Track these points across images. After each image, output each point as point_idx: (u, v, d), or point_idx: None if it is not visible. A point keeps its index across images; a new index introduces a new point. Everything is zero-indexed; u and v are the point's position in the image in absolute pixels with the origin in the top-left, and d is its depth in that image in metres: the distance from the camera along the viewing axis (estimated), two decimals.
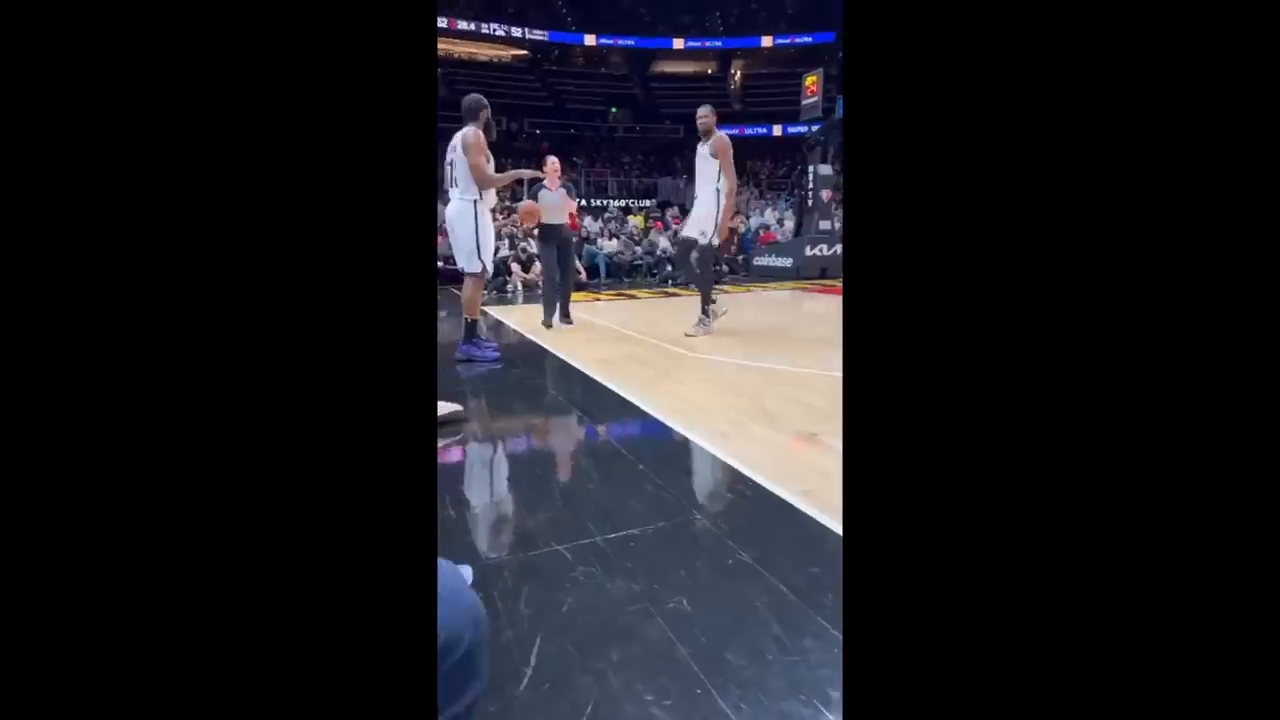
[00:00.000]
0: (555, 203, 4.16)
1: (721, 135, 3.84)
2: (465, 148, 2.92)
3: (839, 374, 2.45)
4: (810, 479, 1.53)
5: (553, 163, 4.29)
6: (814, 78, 8.98)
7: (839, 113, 8.31)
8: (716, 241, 3.87)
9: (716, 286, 4.52)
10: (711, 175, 3.78)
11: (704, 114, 3.89)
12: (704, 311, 3.90)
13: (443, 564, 0.67)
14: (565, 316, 4.31)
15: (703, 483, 1.62)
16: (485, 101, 3.09)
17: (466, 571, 1.03)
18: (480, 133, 2.98)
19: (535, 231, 4.79)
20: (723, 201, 3.75)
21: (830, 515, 1.31)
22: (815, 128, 8.91)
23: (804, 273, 8.10)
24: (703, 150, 3.84)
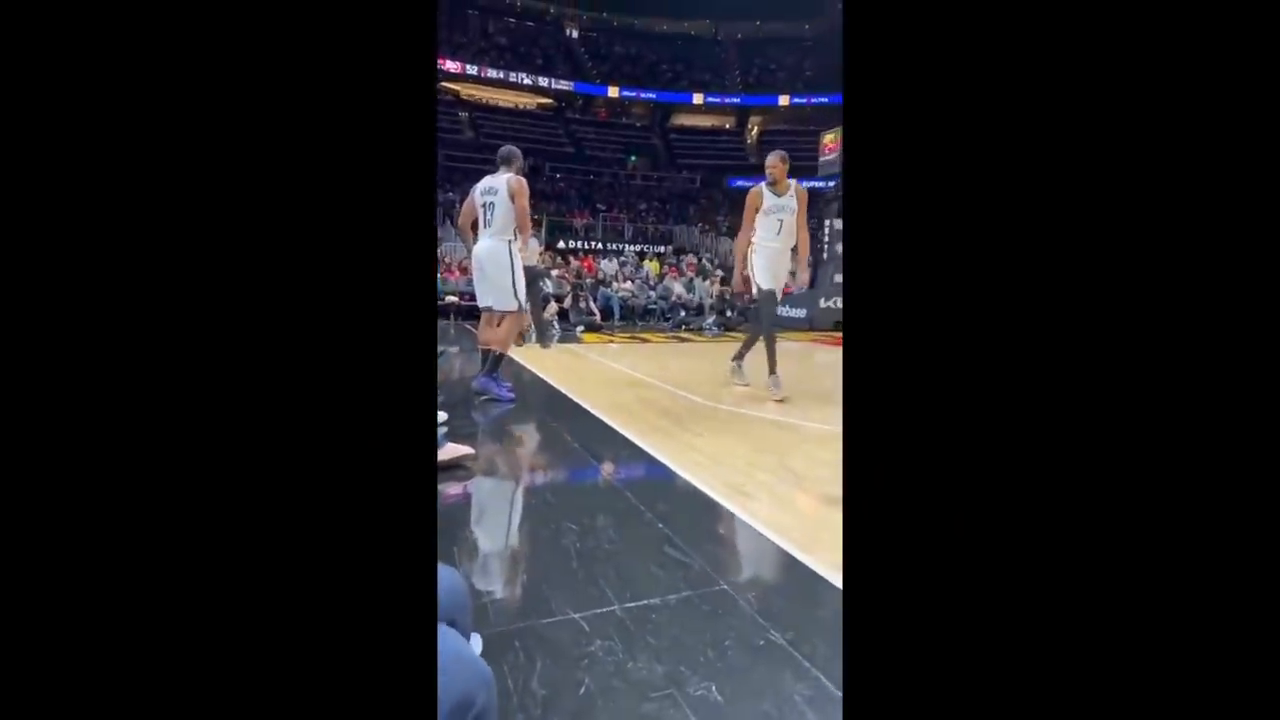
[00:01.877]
0: (534, 247, 4.86)
1: (799, 185, 3.50)
2: (512, 192, 3.05)
3: None
4: (839, 549, 1.43)
5: None
6: (833, 135, 9.19)
7: None
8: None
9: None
10: (794, 230, 3.44)
11: (774, 162, 3.48)
12: (772, 370, 3.42)
13: (451, 631, 0.64)
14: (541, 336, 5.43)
15: (728, 548, 1.52)
16: (517, 151, 3.30)
17: (476, 641, 0.94)
18: (521, 178, 3.15)
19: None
20: (799, 253, 3.50)
21: None
22: (833, 183, 9.05)
23: (818, 324, 8.08)
24: (781, 202, 3.41)
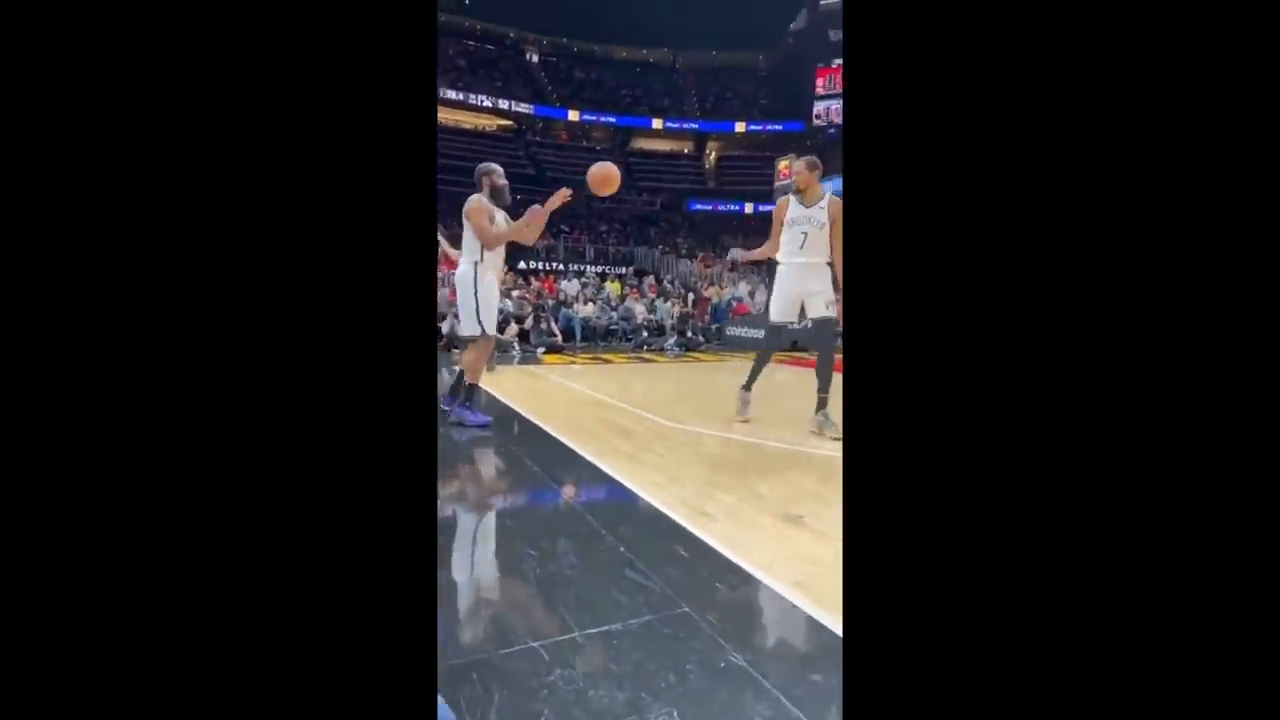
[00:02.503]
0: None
1: (835, 197, 2.97)
2: (467, 213, 2.96)
3: (819, 451, 2.39)
4: (801, 567, 1.45)
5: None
6: (787, 161, 9.50)
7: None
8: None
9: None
10: (824, 245, 2.97)
11: (799, 169, 3.01)
12: (821, 403, 3.00)
13: None
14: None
15: (689, 570, 1.52)
16: (490, 167, 3.10)
17: (445, 712, 0.91)
18: (481, 197, 3.02)
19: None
20: (836, 276, 3.00)
21: (825, 610, 1.23)
22: None
23: (781, 347, 8.25)
24: (808, 213, 2.96)
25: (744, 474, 2.27)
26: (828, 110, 23.00)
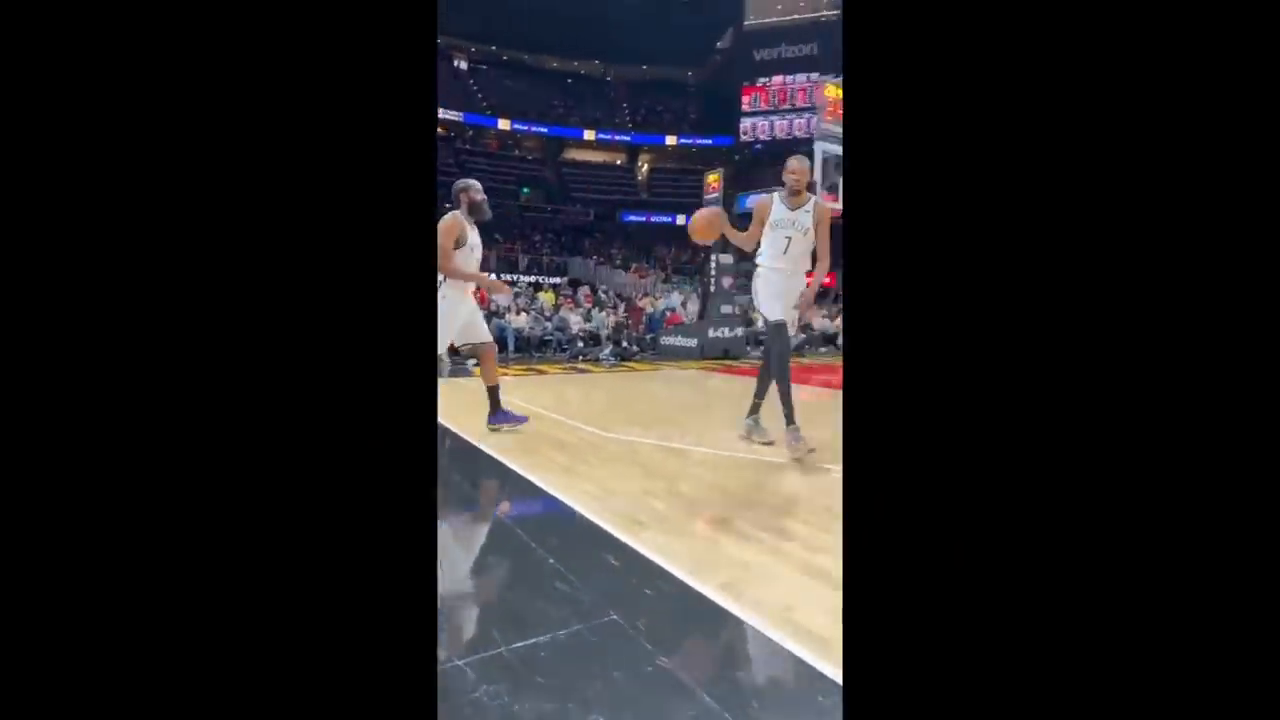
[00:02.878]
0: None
1: (820, 202, 2.80)
2: (439, 229, 2.88)
3: (751, 455, 2.47)
4: (729, 570, 1.50)
5: None
6: (715, 175, 9.78)
7: (738, 207, 9.00)
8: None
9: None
10: (806, 255, 2.78)
11: (795, 167, 2.73)
12: (754, 408, 2.90)
13: None
14: None
15: (619, 579, 1.53)
16: (467, 183, 3.02)
17: None
18: (458, 214, 2.95)
19: None
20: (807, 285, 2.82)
21: (749, 609, 1.28)
22: None
23: (708, 353, 8.42)
24: (793, 216, 2.74)
25: (674, 480, 2.31)
26: (754, 126, 23.86)
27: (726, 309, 9.05)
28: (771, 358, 2.80)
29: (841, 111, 7.90)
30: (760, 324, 2.92)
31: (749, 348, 9.40)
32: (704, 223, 2.83)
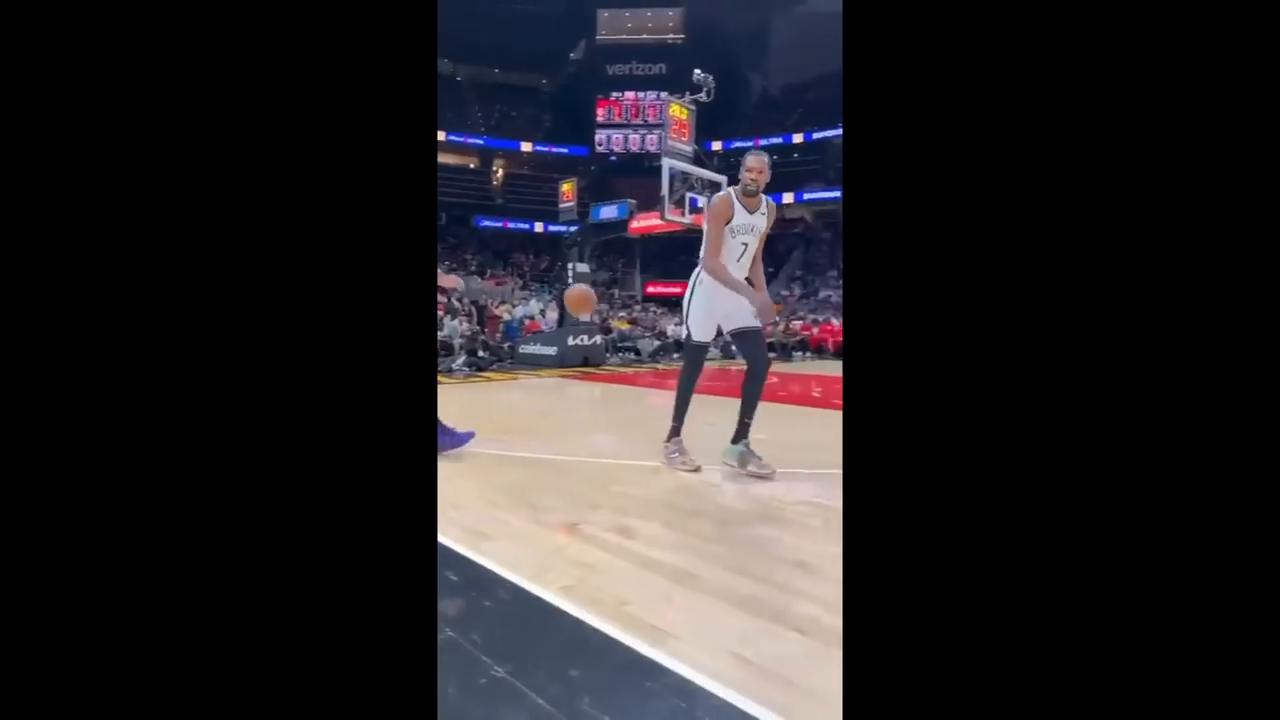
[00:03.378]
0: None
1: (773, 204, 2.58)
2: None
3: (601, 460, 2.52)
4: (571, 573, 1.52)
5: None
6: (570, 184, 9.83)
7: (592, 218, 9.14)
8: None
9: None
10: (756, 259, 2.58)
11: (756, 164, 2.48)
12: (744, 431, 2.55)
13: None
14: None
15: (458, 594, 1.49)
16: None
17: None
18: None
19: None
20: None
21: (586, 608, 1.31)
22: (573, 229, 9.65)
23: (567, 361, 8.43)
24: (751, 220, 2.51)
25: (524, 489, 2.29)
26: (608, 138, 24.42)
27: (584, 317, 9.14)
28: (684, 373, 2.63)
29: (689, 131, 8.37)
30: (686, 335, 2.65)
31: (609, 354, 9.57)
32: (578, 298, 2.95)
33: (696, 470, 2.49)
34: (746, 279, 2.55)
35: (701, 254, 2.52)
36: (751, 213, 2.50)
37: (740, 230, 2.50)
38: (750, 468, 2.46)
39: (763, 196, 2.53)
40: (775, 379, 7.65)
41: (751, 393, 2.53)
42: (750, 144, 23.50)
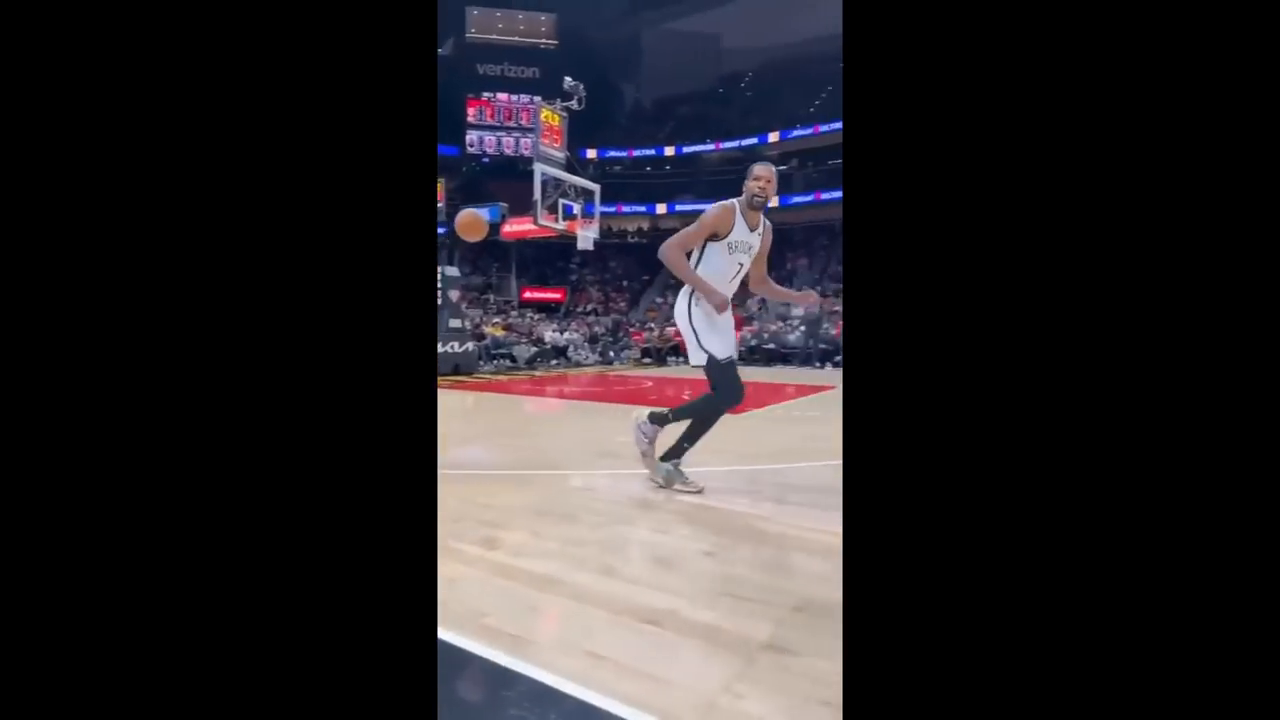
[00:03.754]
0: None
1: (769, 223, 2.41)
2: None
3: (464, 471, 2.43)
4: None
5: None
6: (439, 184, 9.43)
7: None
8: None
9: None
10: (762, 270, 2.45)
11: (766, 174, 2.27)
12: (679, 452, 2.41)
13: None
14: None
15: None
16: None
17: None
18: None
19: None
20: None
21: (443, 625, 1.27)
22: (442, 231, 9.26)
23: (439, 369, 8.07)
24: (750, 239, 2.32)
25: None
26: (480, 140, 23.73)
27: (455, 323, 8.79)
28: (719, 397, 2.32)
29: (561, 138, 8.38)
30: (697, 360, 2.33)
31: (482, 362, 9.26)
32: (470, 221, 2.70)
33: (699, 492, 2.31)
34: (747, 287, 2.44)
35: (676, 259, 2.28)
36: (752, 230, 2.31)
37: (738, 248, 2.29)
38: (677, 485, 2.36)
39: (761, 215, 2.34)
40: (650, 383, 7.86)
41: (707, 420, 2.36)
42: (624, 154, 24.01)
